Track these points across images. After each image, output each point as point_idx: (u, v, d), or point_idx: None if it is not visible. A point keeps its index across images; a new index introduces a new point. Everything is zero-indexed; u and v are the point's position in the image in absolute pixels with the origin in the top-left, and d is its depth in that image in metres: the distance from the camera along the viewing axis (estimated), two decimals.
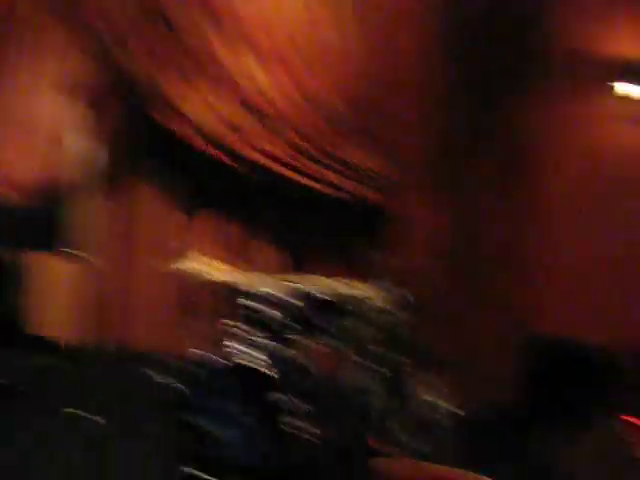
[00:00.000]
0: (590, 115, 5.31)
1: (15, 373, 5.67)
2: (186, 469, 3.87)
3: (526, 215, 5.45)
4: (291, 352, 4.31)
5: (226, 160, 5.94)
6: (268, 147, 5.75)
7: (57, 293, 6.90)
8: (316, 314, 4.24)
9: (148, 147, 6.51)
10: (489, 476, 4.05)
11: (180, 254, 5.46)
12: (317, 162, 5.67)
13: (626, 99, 5.07)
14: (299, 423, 3.82)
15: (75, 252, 6.48)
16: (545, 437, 4.40)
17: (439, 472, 2.06)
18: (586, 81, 5.28)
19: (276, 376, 3.99)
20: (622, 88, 5.07)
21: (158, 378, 5.17)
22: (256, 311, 4.06)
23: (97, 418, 4.70)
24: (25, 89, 6.63)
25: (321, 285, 4.52)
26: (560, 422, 4.64)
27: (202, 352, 4.66)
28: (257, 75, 5.70)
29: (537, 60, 5.39)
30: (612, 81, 5.08)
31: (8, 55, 6.64)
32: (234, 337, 4.07)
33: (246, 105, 5.75)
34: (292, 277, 5.13)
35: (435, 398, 4.46)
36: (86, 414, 4.50)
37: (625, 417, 3.09)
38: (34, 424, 4.69)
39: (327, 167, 5.64)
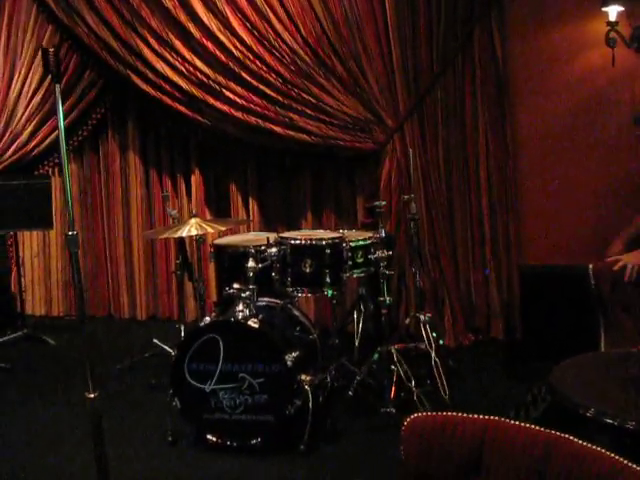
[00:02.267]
0: (580, 38, 5.24)
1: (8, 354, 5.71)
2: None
3: (506, 148, 5.43)
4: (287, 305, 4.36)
5: (202, 116, 5.94)
6: (243, 100, 5.74)
7: (42, 268, 6.95)
8: (302, 262, 4.24)
9: (126, 108, 6.51)
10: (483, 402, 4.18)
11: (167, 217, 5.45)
12: (289, 109, 5.66)
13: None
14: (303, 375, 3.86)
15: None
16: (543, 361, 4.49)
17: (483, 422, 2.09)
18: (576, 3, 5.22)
19: (277, 332, 4.02)
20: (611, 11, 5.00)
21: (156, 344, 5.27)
22: (250, 268, 4.05)
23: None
24: None
25: (306, 234, 4.52)
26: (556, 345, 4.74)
27: (203, 315, 4.70)
28: (230, 31, 5.67)
29: None
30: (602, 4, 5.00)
31: None
32: (233, 297, 4.07)
33: (220, 61, 5.73)
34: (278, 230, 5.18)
35: (427, 331, 4.53)
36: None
37: None
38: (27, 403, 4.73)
39: (300, 113, 5.63)
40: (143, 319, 6.62)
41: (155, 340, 5.26)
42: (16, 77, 6.43)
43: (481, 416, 2.12)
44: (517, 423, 2.07)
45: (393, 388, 4.22)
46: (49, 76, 6.09)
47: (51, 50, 2.45)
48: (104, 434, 2.85)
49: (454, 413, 2.18)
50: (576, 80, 5.34)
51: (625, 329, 4.22)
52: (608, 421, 2.72)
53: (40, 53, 6.26)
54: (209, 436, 3.89)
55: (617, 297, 4.26)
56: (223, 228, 4.77)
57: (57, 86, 2.54)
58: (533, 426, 2.04)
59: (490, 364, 5.07)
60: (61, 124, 2.60)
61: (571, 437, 1.95)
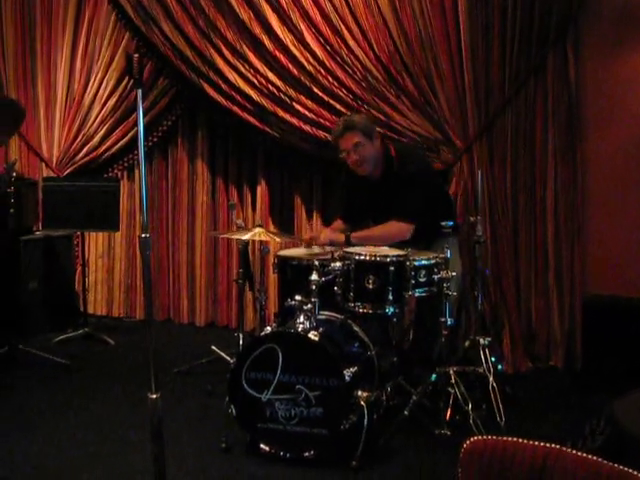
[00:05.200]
0: None
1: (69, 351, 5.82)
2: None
3: (575, 174, 5.34)
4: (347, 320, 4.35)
5: (271, 128, 6.00)
6: (312, 114, 5.79)
7: (106, 269, 7.09)
8: (365, 278, 4.21)
9: (197, 117, 6.60)
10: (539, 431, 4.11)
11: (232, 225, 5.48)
12: None
13: None
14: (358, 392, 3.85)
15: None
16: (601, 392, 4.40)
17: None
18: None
19: (336, 347, 4.01)
20: None
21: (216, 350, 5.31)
22: (313, 281, 4.06)
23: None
24: (73, 68, 6.76)
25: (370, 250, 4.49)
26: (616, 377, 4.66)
27: (263, 325, 4.72)
28: (303, 45, 5.73)
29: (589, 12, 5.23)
30: None
31: (56, 35, 6.77)
32: (294, 309, 4.08)
33: (292, 74, 5.79)
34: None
35: (486, 354, 4.47)
36: None
37: None
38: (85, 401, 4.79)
39: None
40: (201, 325, 6.69)
41: (213, 347, 5.32)
42: (92, 81, 6.63)
43: (542, 443, 2.09)
44: (580, 454, 2.03)
45: (449, 410, 4.18)
46: (123, 82, 6.39)
47: (135, 56, 2.49)
48: (163, 435, 2.87)
49: (514, 439, 2.15)
50: None
51: None
52: None
53: (119, 59, 6.45)
54: (262, 445, 3.91)
55: None
56: (288, 239, 4.81)
57: (139, 92, 2.58)
58: (596, 458, 2.00)
59: (547, 393, 5.00)
60: (141, 128, 2.65)
61: (636, 472, 1.91)
